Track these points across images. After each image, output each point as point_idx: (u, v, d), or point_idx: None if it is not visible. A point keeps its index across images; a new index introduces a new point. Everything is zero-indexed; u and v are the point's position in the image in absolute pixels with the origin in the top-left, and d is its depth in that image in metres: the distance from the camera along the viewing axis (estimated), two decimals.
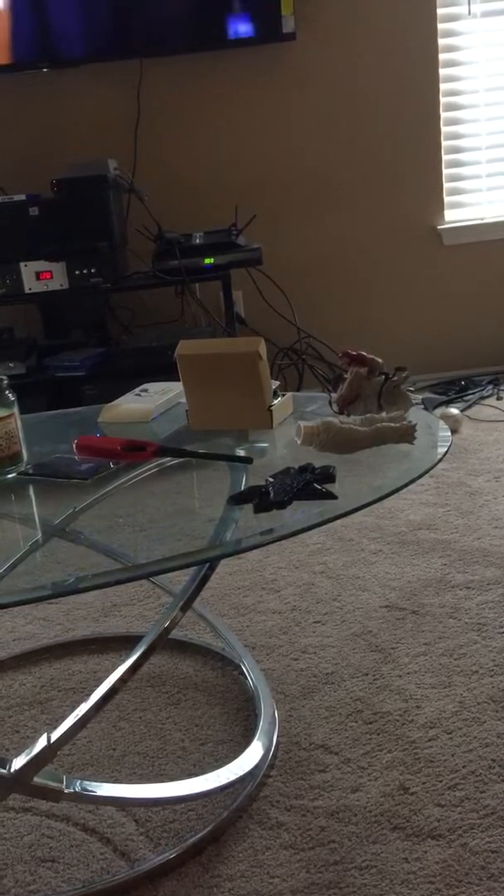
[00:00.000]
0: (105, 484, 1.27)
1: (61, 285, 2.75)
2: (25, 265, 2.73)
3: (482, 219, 3.28)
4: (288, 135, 3.14)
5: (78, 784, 1.18)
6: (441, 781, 1.28)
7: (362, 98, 3.11)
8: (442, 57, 3.11)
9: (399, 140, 3.16)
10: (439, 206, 3.24)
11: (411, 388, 1.40)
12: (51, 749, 1.13)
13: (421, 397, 3.05)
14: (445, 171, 3.22)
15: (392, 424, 1.25)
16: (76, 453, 1.34)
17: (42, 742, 1.13)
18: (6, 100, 3.02)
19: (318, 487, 1.12)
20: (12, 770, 1.12)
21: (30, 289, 2.76)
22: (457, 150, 3.22)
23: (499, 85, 3.16)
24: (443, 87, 3.14)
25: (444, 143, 3.19)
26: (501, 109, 3.19)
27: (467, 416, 2.91)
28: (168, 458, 1.32)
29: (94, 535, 1.17)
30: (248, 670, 1.57)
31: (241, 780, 1.29)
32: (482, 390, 3.16)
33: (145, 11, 2.85)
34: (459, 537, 2.04)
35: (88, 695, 1.18)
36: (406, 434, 1.24)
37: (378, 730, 1.40)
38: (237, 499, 1.13)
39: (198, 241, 2.83)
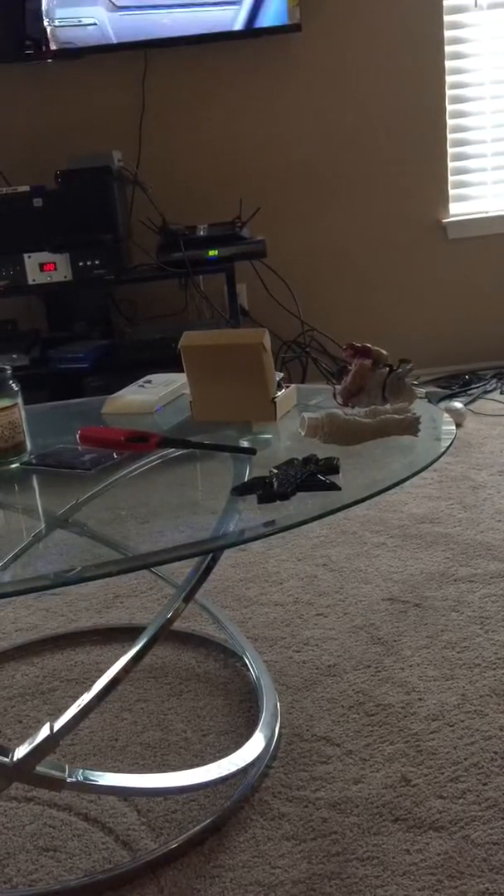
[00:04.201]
0: (108, 475, 1.27)
1: (65, 277, 2.75)
2: (29, 257, 2.73)
3: (487, 212, 3.27)
4: (293, 127, 3.13)
5: (80, 774, 1.18)
6: (443, 773, 1.28)
7: (367, 91, 3.10)
8: (448, 49, 3.10)
9: (404, 133, 3.15)
10: (444, 200, 3.23)
11: (415, 382, 1.40)
12: (53, 739, 1.13)
13: (425, 391, 3.05)
14: (450, 165, 3.21)
15: (396, 417, 1.25)
16: (79, 444, 1.34)
17: (44, 732, 1.13)
18: (11, 91, 3.01)
19: (322, 479, 1.11)
20: (15, 759, 1.12)
21: (33, 280, 2.76)
22: (462, 143, 3.21)
23: None
24: (448, 79, 3.13)
25: (450, 137, 3.18)
26: None
27: (471, 411, 2.90)
28: (171, 449, 1.31)
29: (96, 526, 1.17)
30: (250, 662, 1.57)
31: (243, 771, 1.30)
32: (486, 384, 3.16)
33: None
34: (462, 531, 2.04)
35: (91, 685, 1.18)
36: (410, 427, 1.24)
37: (380, 722, 1.40)
38: (240, 490, 1.12)
39: (202, 233, 2.83)
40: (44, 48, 2.86)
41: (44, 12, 2.81)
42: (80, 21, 2.82)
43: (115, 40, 2.86)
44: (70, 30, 2.83)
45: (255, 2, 2.85)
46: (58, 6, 2.81)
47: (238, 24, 2.88)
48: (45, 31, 2.83)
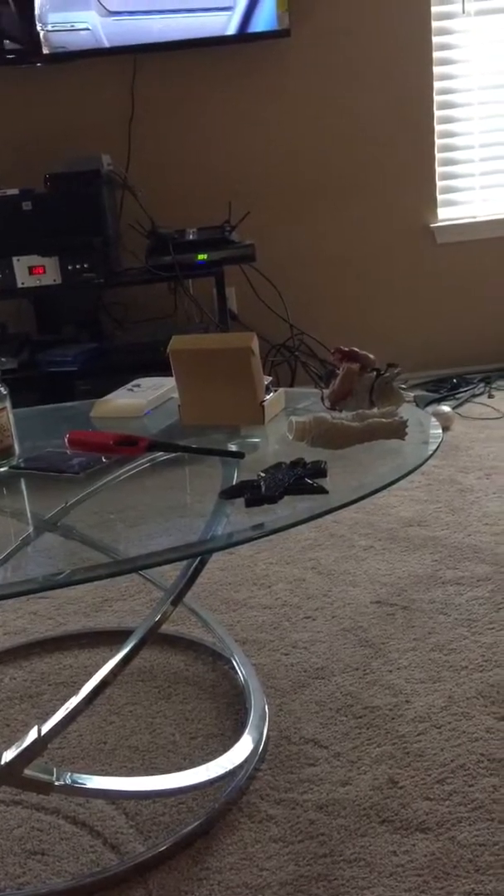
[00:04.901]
0: (97, 478, 1.27)
1: (54, 280, 2.75)
2: (18, 260, 2.73)
3: (475, 217, 3.29)
4: (282, 132, 3.14)
5: (68, 777, 1.18)
6: (430, 775, 1.28)
7: (356, 95, 3.12)
8: (436, 55, 3.12)
9: (393, 138, 3.17)
10: (432, 204, 3.25)
11: (403, 386, 1.40)
12: (41, 742, 1.13)
13: (413, 395, 3.06)
14: (439, 170, 3.23)
15: (383, 420, 1.25)
16: (68, 448, 1.34)
17: (33, 735, 1.13)
18: (0, 94, 3.01)
19: (310, 482, 1.12)
20: (3, 763, 1.12)
21: (22, 283, 2.75)
22: (450, 148, 3.23)
23: (492, 84, 3.17)
24: (437, 85, 3.15)
25: (438, 142, 3.20)
26: (495, 108, 3.20)
27: (459, 414, 2.92)
28: (160, 453, 1.32)
29: (85, 530, 1.17)
30: (238, 665, 1.58)
31: (232, 774, 1.30)
32: (474, 388, 3.18)
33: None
34: (450, 534, 2.05)
35: (79, 689, 1.18)
36: (397, 430, 1.25)
37: (367, 724, 1.41)
38: (229, 493, 1.13)
39: (191, 237, 2.84)
40: (35, 52, 2.85)
41: (37, 17, 2.81)
42: (73, 26, 2.82)
43: (107, 45, 2.87)
44: (63, 34, 2.83)
45: (247, 8, 2.86)
46: (50, 11, 2.81)
47: (231, 30, 2.89)
48: (38, 36, 2.82)
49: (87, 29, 2.84)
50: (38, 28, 2.82)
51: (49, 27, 2.82)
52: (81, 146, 2.99)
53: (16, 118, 3.03)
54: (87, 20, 2.84)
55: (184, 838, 1.21)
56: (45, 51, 2.85)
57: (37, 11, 2.81)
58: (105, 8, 2.83)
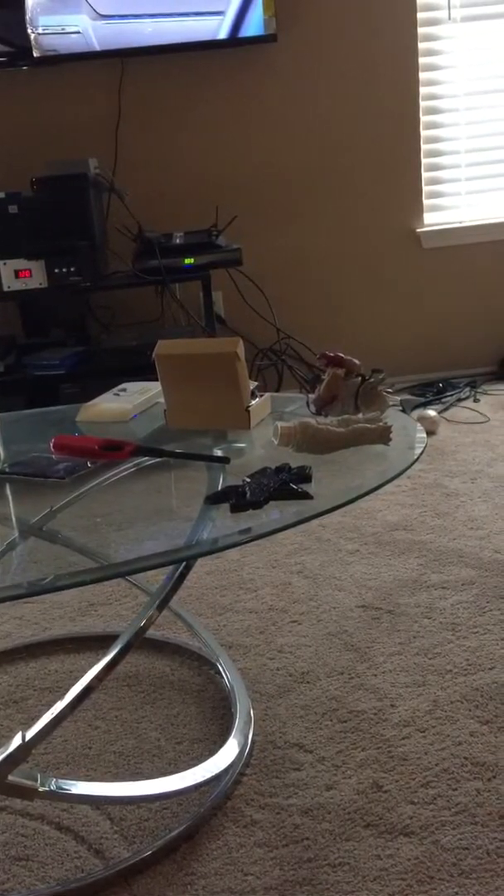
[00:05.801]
0: (82, 483, 1.27)
1: (40, 284, 2.74)
2: (4, 263, 2.72)
3: (461, 222, 3.31)
4: (268, 136, 3.14)
5: (53, 782, 1.18)
6: (414, 779, 1.29)
7: (343, 101, 3.13)
8: (422, 61, 3.13)
9: (379, 143, 3.18)
10: (419, 209, 3.26)
11: (389, 390, 1.41)
12: (26, 747, 1.13)
13: (399, 399, 3.07)
14: (425, 175, 3.24)
15: (368, 425, 1.26)
16: (53, 452, 1.34)
17: (17, 740, 1.13)
18: None
19: (295, 487, 1.12)
20: None
21: (8, 287, 2.75)
22: (436, 153, 3.24)
23: (478, 89, 3.19)
24: (423, 90, 3.16)
25: (424, 147, 3.22)
26: (481, 114, 3.22)
27: (445, 418, 2.93)
28: (145, 458, 1.32)
29: (71, 535, 1.17)
30: (224, 669, 1.58)
31: (217, 779, 1.30)
32: (460, 392, 3.19)
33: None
34: (435, 538, 2.05)
35: (64, 694, 1.18)
36: (382, 435, 1.26)
37: (352, 728, 1.41)
38: (214, 498, 1.13)
39: (178, 241, 2.84)
40: (25, 55, 2.85)
41: (28, 20, 2.80)
42: (63, 29, 2.82)
43: (98, 48, 2.87)
44: (54, 37, 2.83)
45: (238, 13, 2.87)
46: (41, 14, 2.80)
47: (222, 34, 2.89)
48: (29, 38, 2.82)
49: (78, 32, 2.84)
50: (29, 31, 2.82)
51: (40, 30, 2.82)
52: (68, 149, 2.99)
53: (2, 121, 3.03)
54: (79, 23, 2.83)
55: (168, 843, 1.20)
56: (36, 54, 2.85)
57: (28, 14, 2.80)
58: (96, 11, 2.83)
